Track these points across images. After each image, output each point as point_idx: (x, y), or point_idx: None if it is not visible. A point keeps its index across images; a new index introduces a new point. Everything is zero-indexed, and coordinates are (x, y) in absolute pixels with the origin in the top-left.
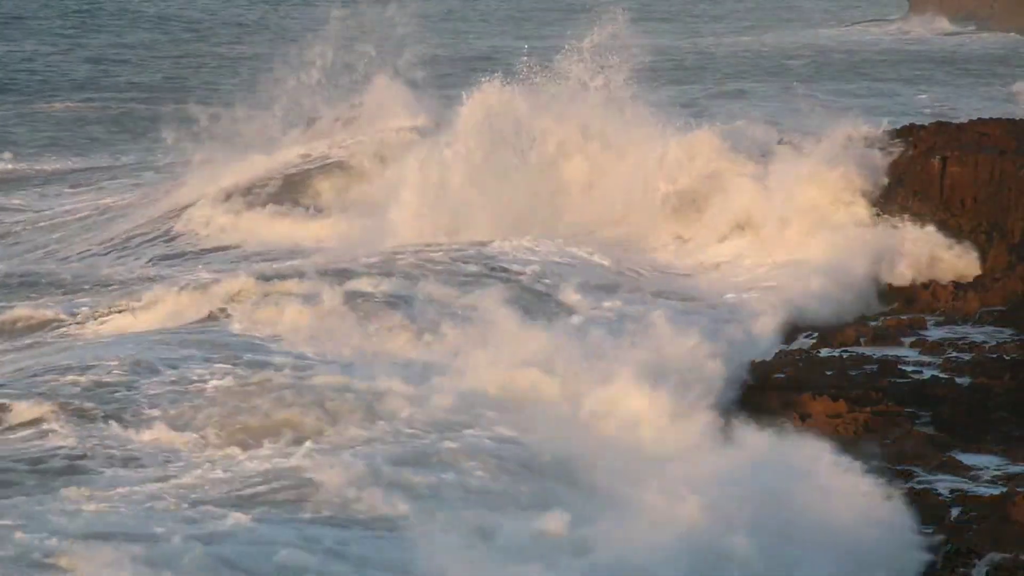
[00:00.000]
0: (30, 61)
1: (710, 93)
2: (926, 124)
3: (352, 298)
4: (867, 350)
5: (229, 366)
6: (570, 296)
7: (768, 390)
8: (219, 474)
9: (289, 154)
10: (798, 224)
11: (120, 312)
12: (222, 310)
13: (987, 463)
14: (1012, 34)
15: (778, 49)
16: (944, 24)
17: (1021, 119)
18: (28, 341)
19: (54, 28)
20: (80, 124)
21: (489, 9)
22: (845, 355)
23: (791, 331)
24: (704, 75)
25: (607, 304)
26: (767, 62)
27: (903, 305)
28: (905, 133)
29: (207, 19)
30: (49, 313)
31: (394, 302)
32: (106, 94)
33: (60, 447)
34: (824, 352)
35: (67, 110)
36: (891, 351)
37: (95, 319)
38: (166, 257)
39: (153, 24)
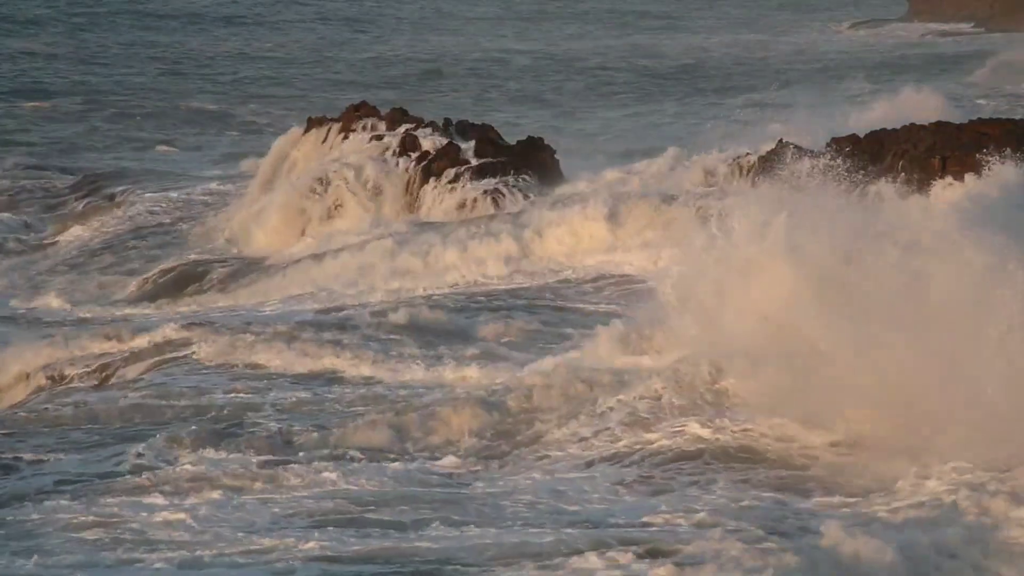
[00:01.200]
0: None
1: (738, 105)
2: (926, 124)
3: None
4: None
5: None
6: None
7: None
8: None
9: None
10: None
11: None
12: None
13: None
14: (1012, 34)
15: (777, 53)
16: (943, 25)
17: (1021, 119)
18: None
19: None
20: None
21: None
22: None
23: None
24: (711, 82)
25: None
26: (768, 67)
27: None
28: (904, 133)
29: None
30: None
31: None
32: (79, 97)
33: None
34: None
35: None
36: None
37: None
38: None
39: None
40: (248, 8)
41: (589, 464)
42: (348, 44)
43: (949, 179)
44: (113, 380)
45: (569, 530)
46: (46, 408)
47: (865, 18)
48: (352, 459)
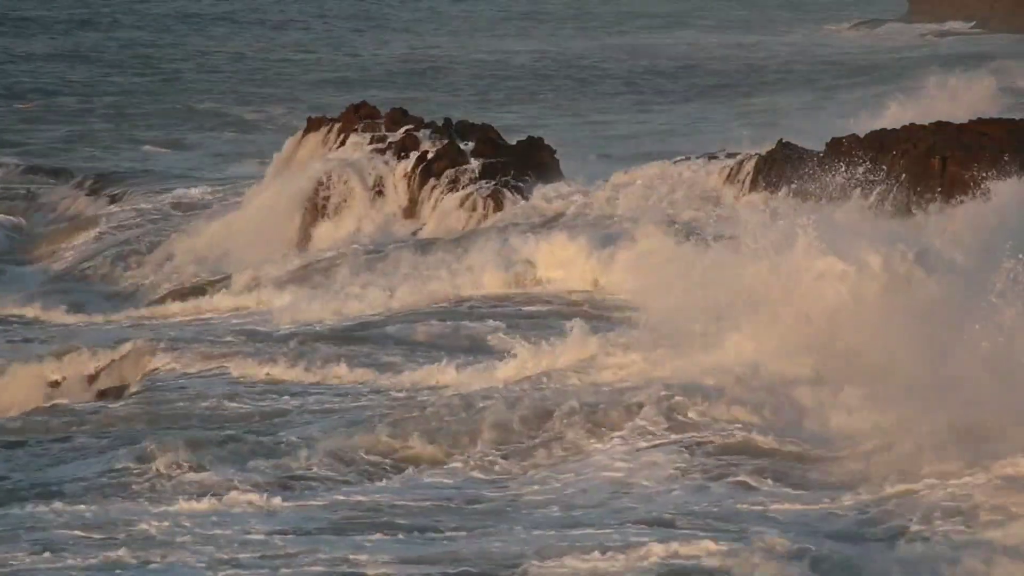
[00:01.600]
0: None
1: (740, 111)
2: (926, 124)
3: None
4: None
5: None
6: None
7: None
8: None
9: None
10: None
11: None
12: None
13: None
14: (1013, 34)
15: (778, 54)
16: (944, 25)
17: (1021, 119)
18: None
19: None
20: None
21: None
22: None
23: None
24: (711, 83)
25: None
26: (765, 69)
27: None
28: (904, 133)
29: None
30: None
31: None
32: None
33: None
34: None
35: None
36: None
37: None
38: None
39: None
40: (247, 7)
41: (637, 456)
42: (348, 44)
43: (938, 203)
44: (110, 388)
45: (636, 525)
46: (46, 417)
47: (865, 18)
48: (388, 466)
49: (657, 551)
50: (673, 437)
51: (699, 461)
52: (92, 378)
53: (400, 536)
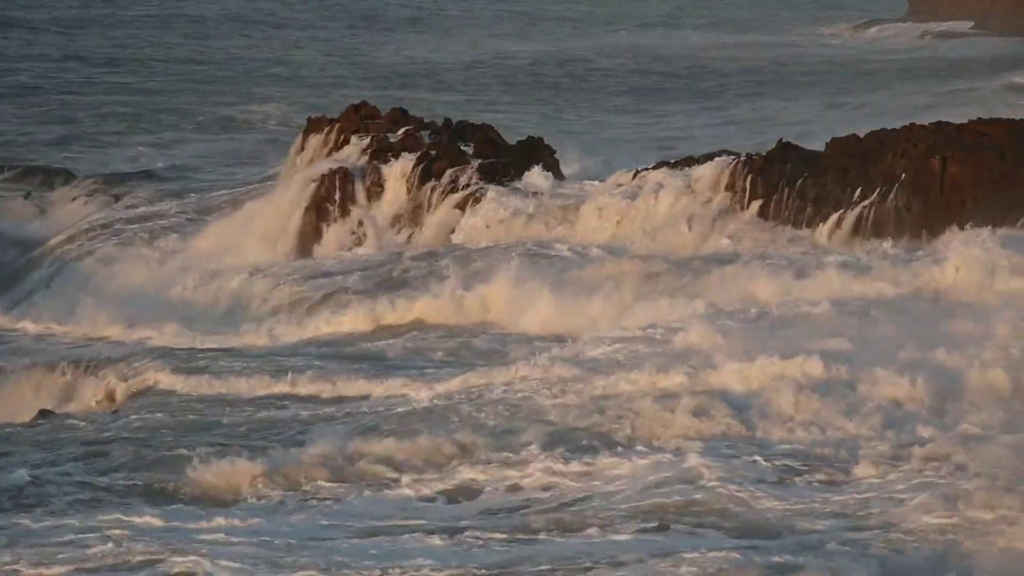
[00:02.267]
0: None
1: (740, 111)
2: (926, 124)
3: None
4: None
5: None
6: None
7: None
8: None
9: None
10: None
11: None
12: None
13: None
14: (1013, 35)
15: (779, 55)
16: (943, 25)
17: (1021, 119)
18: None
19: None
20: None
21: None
22: None
23: None
24: (705, 86)
25: None
26: (764, 69)
27: None
28: (904, 133)
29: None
30: None
31: None
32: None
33: None
34: None
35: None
36: None
37: None
38: None
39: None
40: (247, 7)
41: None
42: (347, 44)
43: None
44: (102, 401)
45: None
46: (36, 426)
47: (865, 18)
48: (435, 468)
49: (740, 555)
50: (724, 442)
51: (762, 465)
52: (83, 390)
53: (450, 540)
